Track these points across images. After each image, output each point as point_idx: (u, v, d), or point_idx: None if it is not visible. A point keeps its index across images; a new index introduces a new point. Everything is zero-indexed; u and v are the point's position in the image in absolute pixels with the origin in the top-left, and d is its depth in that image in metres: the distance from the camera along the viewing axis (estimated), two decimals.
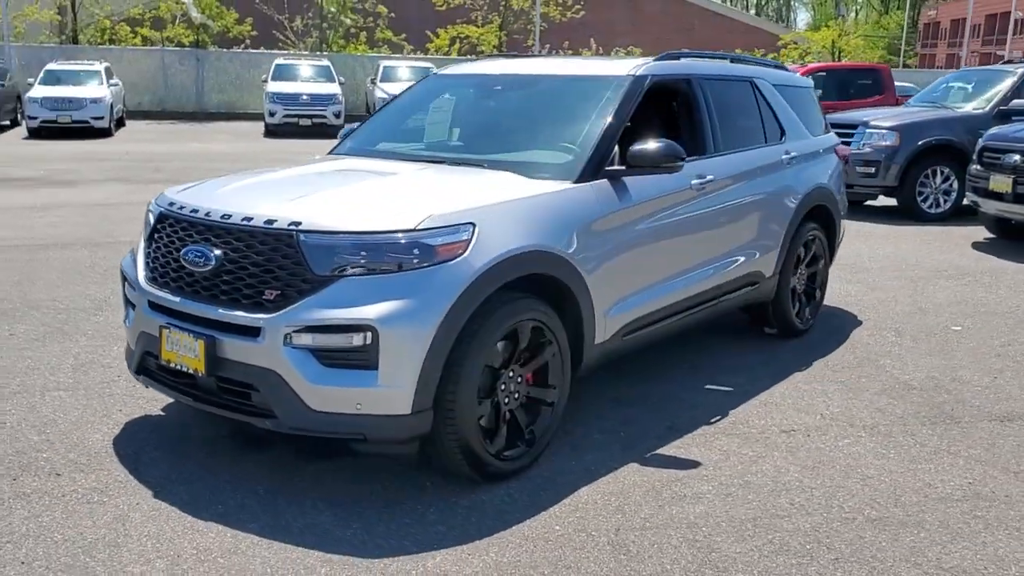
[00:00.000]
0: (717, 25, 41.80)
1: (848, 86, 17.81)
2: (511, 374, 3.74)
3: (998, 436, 4.37)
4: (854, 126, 11.10)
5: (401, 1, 30.85)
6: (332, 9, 29.66)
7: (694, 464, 3.99)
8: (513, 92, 4.99)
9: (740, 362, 5.38)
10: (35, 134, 20.22)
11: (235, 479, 3.71)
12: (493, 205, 3.73)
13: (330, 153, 5.00)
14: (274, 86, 22.92)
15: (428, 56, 29.43)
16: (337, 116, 22.59)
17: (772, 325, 5.82)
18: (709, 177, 4.81)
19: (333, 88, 23.21)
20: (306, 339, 3.34)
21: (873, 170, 10.84)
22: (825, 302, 6.37)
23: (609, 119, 4.38)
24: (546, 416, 3.92)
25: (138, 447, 4.00)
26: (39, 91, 20.86)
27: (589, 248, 4.00)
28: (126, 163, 15.40)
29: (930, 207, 10.92)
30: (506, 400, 3.73)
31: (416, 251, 3.39)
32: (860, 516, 3.54)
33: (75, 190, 11.97)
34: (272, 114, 22.50)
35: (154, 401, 4.46)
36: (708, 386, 4.99)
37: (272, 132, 22.40)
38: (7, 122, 21.96)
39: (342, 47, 29.58)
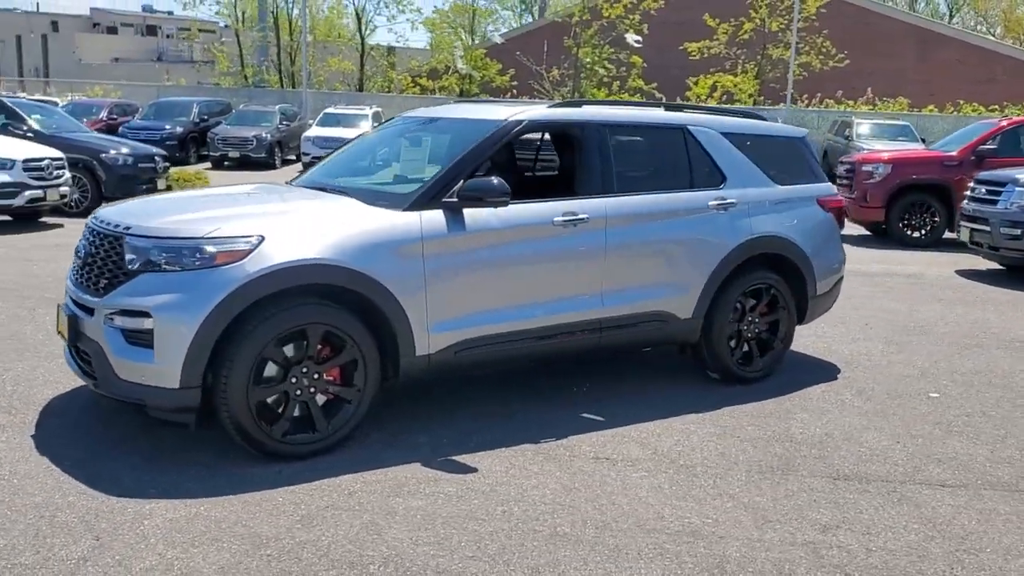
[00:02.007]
0: None
1: None
2: (304, 370, 4.35)
3: (814, 491, 4.25)
4: (1002, 184, 10.20)
5: (656, 52, 31.48)
6: (587, 60, 30.98)
7: (470, 470, 4.34)
8: (422, 132, 5.59)
9: (649, 398, 5.51)
10: (308, 167, 23.18)
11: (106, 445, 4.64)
12: (292, 224, 4.39)
13: (287, 181, 5.87)
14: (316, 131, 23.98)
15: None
16: None
17: (710, 369, 5.84)
18: (583, 216, 5.08)
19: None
20: (117, 320, 4.19)
21: (1019, 232, 9.89)
22: (837, 356, 6.21)
23: (461, 157, 4.86)
24: (346, 412, 4.47)
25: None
26: (315, 131, 23.97)
27: (404, 268, 4.51)
28: None
29: None
30: (298, 392, 4.35)
31: (198, 255, 4.14)
32: (548, 530, 3.75)
33: None
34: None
35: None
36: (583, 414, 5.22)
37: None
38: (292, 157, 25.37)
39: (593, 96, 30.73)
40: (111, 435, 4.62)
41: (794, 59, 28.98)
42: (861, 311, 8.32)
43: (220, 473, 4.19)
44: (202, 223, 4.30)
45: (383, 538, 3.62)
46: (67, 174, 12.69)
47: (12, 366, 5.66)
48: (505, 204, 4.71)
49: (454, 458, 4.48)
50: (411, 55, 34.60)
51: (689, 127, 5.71)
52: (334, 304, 4.39)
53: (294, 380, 4.33)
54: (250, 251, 4.18)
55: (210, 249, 4.15)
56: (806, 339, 7.12)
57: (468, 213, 4.75)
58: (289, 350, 4.34)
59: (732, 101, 31.24)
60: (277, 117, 25.52)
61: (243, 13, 39.31)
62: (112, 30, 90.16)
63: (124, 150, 14.66)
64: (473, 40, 33.89)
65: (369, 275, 4.40)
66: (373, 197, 4.79)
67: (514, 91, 32.11)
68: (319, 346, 4.40)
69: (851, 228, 13.83)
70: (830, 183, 6.47)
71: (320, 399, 4.45)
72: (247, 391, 4.18)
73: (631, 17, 30.44)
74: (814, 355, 6.74)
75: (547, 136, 6.33)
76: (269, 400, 4.33)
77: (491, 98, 29.71)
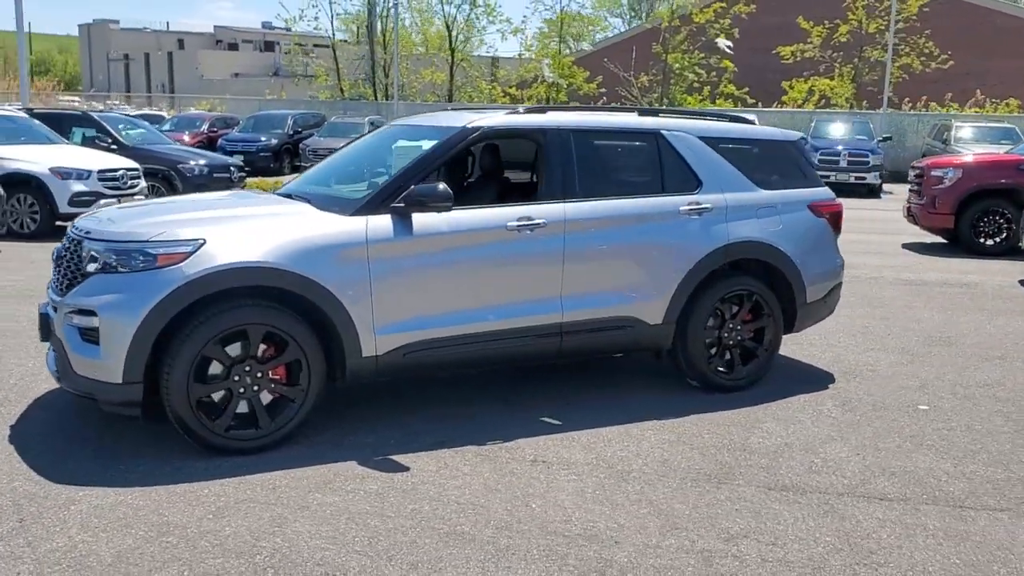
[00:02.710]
0: None
1: None
2: (247, 368, 4.54)
3: (740, 501, 4.17)
4: None
5: (748, 56, 30.92)
6: (676, 66, 30.70)
7: (401, 469, 4.44)
8: (397, 139, 5.71)
9: (618, 404, 5.48)
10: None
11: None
12: (235, 228, 4.58)
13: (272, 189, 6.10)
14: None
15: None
16: None
17: (688, 376, 5.77)
18: (539, 221, 5.12)
19: None
20: (75, 319, 4.48)
21: None
22: (841, 365, 6.06)
23: (410, 163, 4.98)
24: (290, 411, 4.64)
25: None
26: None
27: (347, 271, 4.66)
28: None
29: None
30: (241, 389, 4.54)
31: (142, 257, 4.38)
32: (448, 529, 3.81)
33: None
34: None
35: None
36: (542, 418, 5.24)
37: None
38: None
39: (682, 101, 30.41)
40: (83, 428, 4.90)
41: (891, 61, 27.93)
42: (890, 321, 8.02)
43: (166, 465, 4.40)
44: (151, 227, 4.55)
45: (283, 531, 3.75)
46: (142, 183, 13.41)
47: (24, 362, 6.06)
48: (448, 209, 4.80)
49: (392, 457, 4.58)
50: (500, 65, 34.97)
51: (663, 132, 5.66)
52: (277, 305, 4.56)
53: (236, 378, 4.52)
54: (190, 254, 4.39)
55: (153, 252, 4.38)
56: (815, 348, 6.94)
57: (417, 218, 4.85)
58: (235, 349, 4.53)
59: (829, 105, 30.41)
60: (366, 128, 26.26)
61: (357, 28, 40.35)
62: (233, 47, 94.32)
63: (201, 161, 15.39)
64: (563, 49, 34.00)
65: (309, 277, 4.55)
66: (327, 203, 4.96)
67: (605, 98, 32.07)
68: (264, 346, 4.57)
69: (923, 236, 13.33)
70: (825, 188, 6.29)
71: (267, 397, 4.63)
72: (187, 388, 4.39)
73: (721, 22, 30.00)
74: (815, 364, 6.56)
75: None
76: (215, 397, 4.53)
77: (510, 105, 29.79)
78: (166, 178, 14.71)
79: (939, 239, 13.29)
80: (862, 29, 30.11)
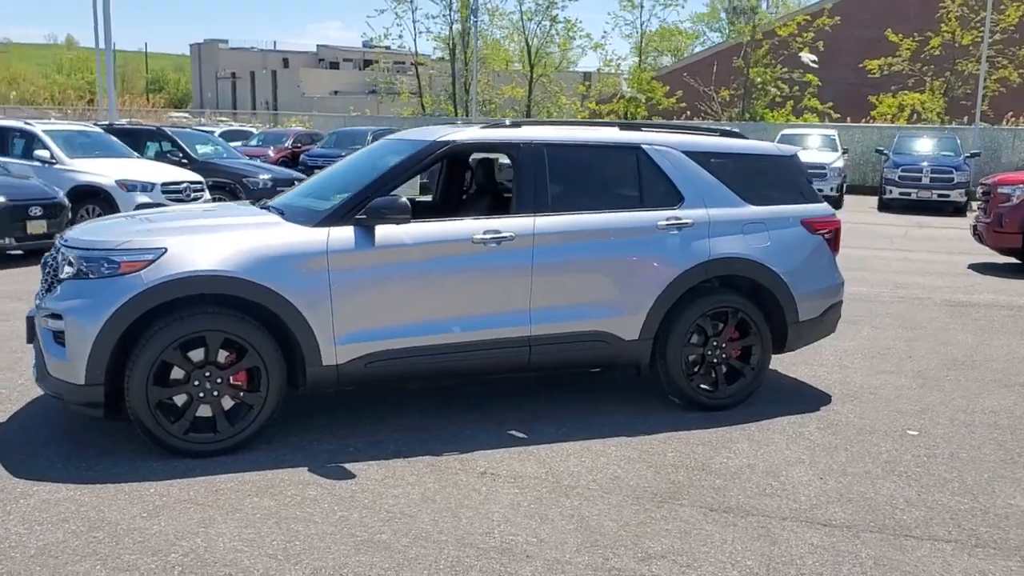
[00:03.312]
0: None
1: None
2: (208, 374, 4.68)
3: (675, 521, 4.09)
4: None
5: (832, 70, 30.15)
6: (758, 80, 30.16)
7: (348, 477, 4.50)
8: (379, 153, 5.80)
9: (591, 419, 5.44)
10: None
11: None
12: (197, 238, 4.74)
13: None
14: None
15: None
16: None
17: (668, 392, 5.69)
18: (507, 234, 5.13)
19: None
20: (50, 322, 4.71)
21: None
22: (845, 387, 5.91)
23: (377, 176, 5.07)
24: (249, 416, 4.77)
25: None
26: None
27: (307, 281, 4.76)
28: None
29: None
30: (201, 394, 4.69)
31: (106, 264, 4.58)
32: (365, 536, 3.85)
33: None
34: None
35: None
36: (510, 431, 5.24)
37: None
38: None
39: (764, 116, 29.87)
40: (67, 427, 5.13)
41: (986, 74, 26.82)
42: (916, 342, 7.71)
43: (125, 465, 4.58)
44: (120, 236, 4.76)
45: (206, 532, 3.86)
46: (206, 195, 13.94)
47: None
48: (406, 221, 4.87)
49: (345, 465, 4.66)
50: (581, 80, 35.06)
51: (644, 146, 5.60)
52: (236, 313, 4.69)
53: (197, 383, 4.67)
54: (151, 262, 4.57)
55: (117, 259, 4.58)
56: (824, 368, 6.75)
57: (381, 230, 4.93)
58: (199, 355, 4.68)
59: (920, 120, 29.40)
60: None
61: (451, 45, 40.69)
62: (334, 65, 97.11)
63: (265, 175, 15.93)
64: (643, 63, 33.83)
65: (267, 286, 4.68)
66: (296, 215, 5.09)
67: (687, 113, 31.75)
68: (227, 353, 4.72)
69: (995, 257, 12.74)
70: (823, 204, 6.10)
71: (229, 402, 4.77)
72: (146, 391, 4.55)
73: (804, 35, 29.35)
74: (816, 385, 6.36)
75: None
76: (177, 400, 4.69)
77: (575, 120, 29.62)
78: (231, 191, 15.25)
79: (1012, 259, 12.69)
80: (955, 41, 29.00)
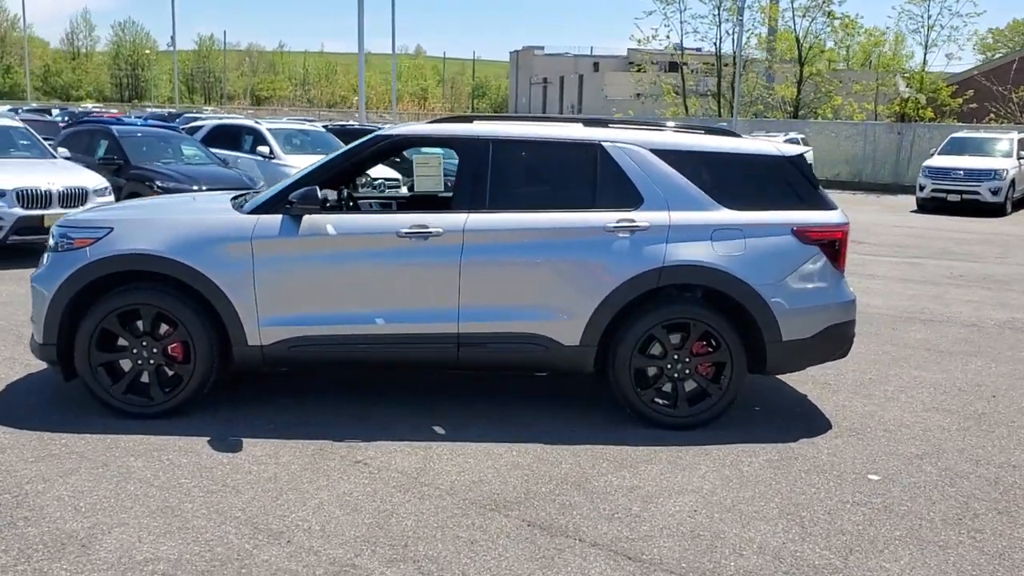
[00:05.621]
0: None
1: None
2: (144, 343, 5.17)
3: (478, 530, 3.92)
4: None
5: None
6: None
7: (232, 450, 4.75)
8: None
9: (545, 423, 5.30)
10: None
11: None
12: (140, 219, 5.24)
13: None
14: (937, 160, 22.10)
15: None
16: (995, 193, 20.80)
17: (619, 403, 5.36)
18: (435, 230, 5.11)
19: (1000, 163, 21.24)
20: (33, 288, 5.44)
21: None
22: (869, 420, 5.44)
23: (316, 167, 5.28)
24: (181, 386, 5.19)
25: None
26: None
27: (231, 264, 5.08)
28: None
29: None
30: (139, 362, 5.18)
31: (66, 239, 5.20)
32: (173, 500, 4.09)
33: None
34: (922, 188, 21.86)
35: None
36: (434, 426, 5.23)
37: (922, 207, 21.75)
38: None
39: None
40: (60, 389, 5.82)
41: None
42: (987, 374, 6.54)
43: (71, 417, 5.14)
44: (85, 215, 5.38)
45: (52, 486, 4.26)
46: (404, 190, 14.84)
47: None
48: (317, 212, 5.03)
49: (244, 440, 4.90)
50: (856, 79, 32.56)
51: (604, 144, 5.29)
52: (168, 290, 5.12)
53: (135, 351, 5.17)
54: (97, 239, 5.12)
55: (73, 236, 5.20)
56: (841, 395, 6.06)
57: (308, 220, 5.13)
58: (142, 325, 5.18)
59: None
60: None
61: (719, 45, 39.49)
62: (640, 68, 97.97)
63: None
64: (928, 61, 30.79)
65: (191, 266, 5.05)
66: (242, 203, 5.43)
67: (975, 118, 28.50)
68: (167, 326, 5.17)
69: None
70: (828, 212, 5.38)
71: (168, 372, 5.22)
72: (88, 353, 5.12)
73: None
74: (832, 414, 5.64)
75: None
76: (124, 366, 5.22)
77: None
78: None
79: None
80: None
